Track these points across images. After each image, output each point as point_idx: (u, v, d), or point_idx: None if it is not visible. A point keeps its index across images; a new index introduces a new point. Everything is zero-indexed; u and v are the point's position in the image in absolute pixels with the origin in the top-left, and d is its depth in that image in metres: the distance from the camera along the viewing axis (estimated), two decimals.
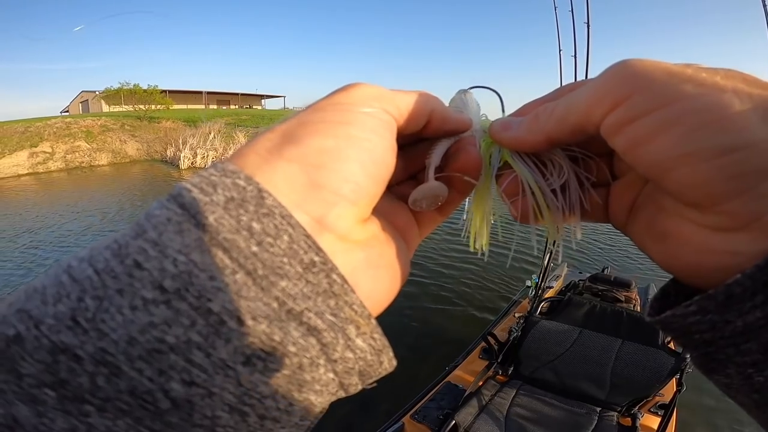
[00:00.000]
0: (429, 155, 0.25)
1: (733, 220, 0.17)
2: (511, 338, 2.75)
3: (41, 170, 16.83)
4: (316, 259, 0.16)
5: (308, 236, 0.16)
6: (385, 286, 0.21)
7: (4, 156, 16.40)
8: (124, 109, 26.94)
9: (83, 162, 18.24)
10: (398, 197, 0.26)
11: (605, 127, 0.20)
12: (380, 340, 0.18)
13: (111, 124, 20.65)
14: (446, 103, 0.26)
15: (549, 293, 3.38)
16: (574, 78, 3.58)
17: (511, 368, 2.73)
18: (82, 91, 34.67)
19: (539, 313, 2.84)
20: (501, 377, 2.73)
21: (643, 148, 0.18)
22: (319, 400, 0.17)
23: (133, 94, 26.25)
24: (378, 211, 0.22)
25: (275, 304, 0.15)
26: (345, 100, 0.20)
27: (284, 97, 54.11)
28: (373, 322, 0.18)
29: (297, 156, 0.18)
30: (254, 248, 0.15)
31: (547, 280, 3.40)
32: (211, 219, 0.15)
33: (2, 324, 0.14)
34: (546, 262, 3.26)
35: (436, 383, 2.69)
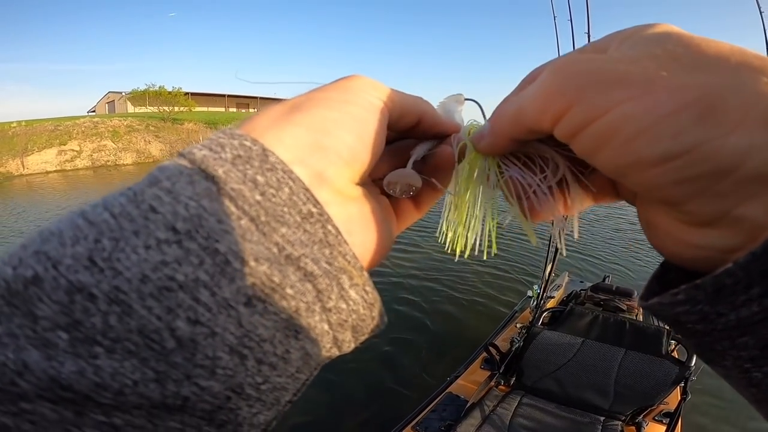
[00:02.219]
0: (413, 149, 0.25)
1: (699, 217, 0.16)
2: (513, 348, 2.55)
3: (68, 168, 16.74)
4: (314, 210, 0.17)
5: (307, 189, 0.17)
6: (375, 242, 0.20)
7: (33, 153, 16.34)
8: (148, 111, 26.86)
9: (109, 161, 18.16)
10: (381, 191, 0.25)
11: (558, 136, 0.18)
12: (372, 293, 0.18)
13: (136, 124, 20.56)
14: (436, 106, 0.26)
15: (550, 303, 3.17)
16: None
17: (513, 378, 2.54)
18: (108, 92, 34.63)
19: (541, 324, 2.63)
20: (503, 387, 2.53)
21: (595, 157, 0.17)
22: (314, 350, 0.17)
23: (158, 96, 25.97)
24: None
25: (275, 249, 0.15)
26: (347, 84, 0.21)
27: None
28: (365, 274, 0.18)
29: (304, 121, 0.18)
30: (258, 197, 0.16)
31: (549, 290, 3.22)
32: (219, 172, 0.15)
33: (20, 266, 0.13)
34: (547, 272, 3.07)
35: (438, 394, 2.50)
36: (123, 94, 31.12)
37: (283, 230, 0.16)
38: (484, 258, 0.27)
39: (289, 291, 0.15)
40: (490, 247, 0.27)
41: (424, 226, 7.84)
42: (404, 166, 0.25)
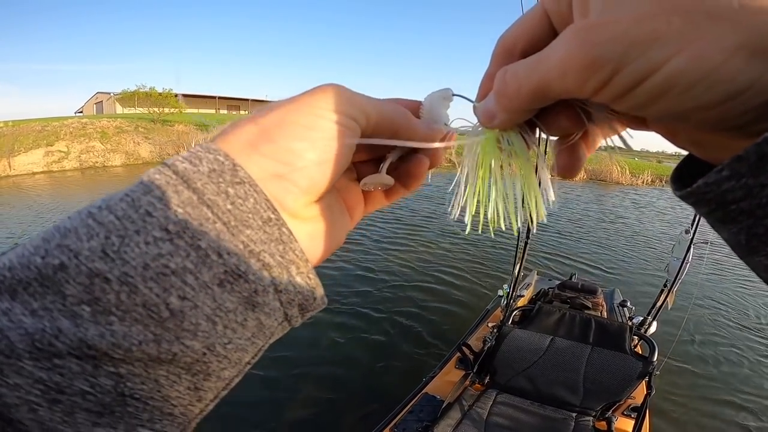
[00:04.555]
0: (390, 152, 0.26)
1: (755, 131, 0.15)
2: (486, 348, 2.41)
3: (56, 169, 15.54)
4: (272, 216, 0.19)
5: (268, 200, 0.19)
6: (320, 250, 0.23)
7: (20, 154, 15.24)
8: (138, 112, 25.63)
9: (97, 162, 17.06)
10: (358, 175, 0.27)
11: (601, 98, 0.17)
12: (314, 279, 0.21)
13: (126, 125, 19.43)
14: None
15: (520, 302, 3.05)
16: None
17: (488, 377, 2.40)
18: (97, 92, 32.86)
19: (511, 322, 2.52)
20: (478, 386, 2.39)
21: (649, 108, 0.16)
22: (267, 321, 0.19)
23: (148, 97, 24.72)
24: (335, 188, 0.24)
25: (241, 246, 0.18)
26: (316, 104, 0.21)
27: None
28: (310, 266, 0.20)
29: (270, 152, 0.20)
30: (229, 206, 0.18)
31: (519, 289, 3.13)
32: (198, 184, 0.18)
33: (47, 256, 0.16)
34: (516, 271, 3.00)
35: (414, 395, 2.34)
36: (112, 94, 29.64)
37: (248, 232, 0.18)
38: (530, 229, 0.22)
39: (251, 277, 0.18)
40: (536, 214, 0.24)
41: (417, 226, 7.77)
42: (380, 156, 0.26)
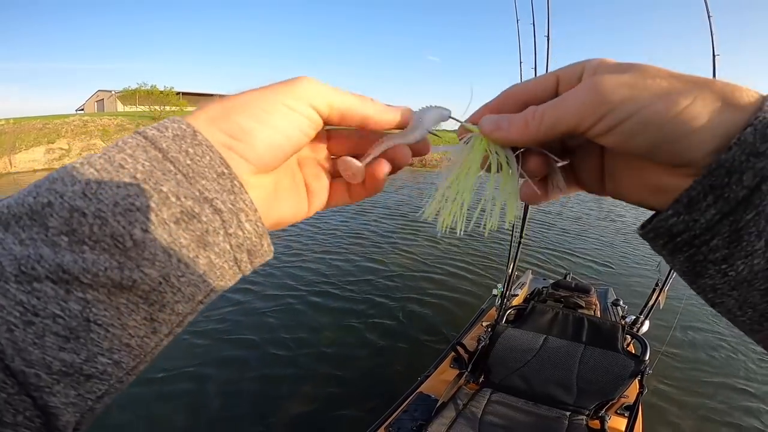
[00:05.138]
0: (372, 148, 0.28)
1: (690, 168, 0.21)
2: (480, 347, 2.37)
3: (57, 166, 15.43)
4: (225, 171, 0.21)
5: (222, 158, 0.21)
6: (267, 210, 0.25)
7: (21, 151, 15.08)
8: (139, 110, 25.33)
9: None
10: (333, 169, 0.30)
11: (593, 133, 0.22)
12: (262, 227, 0.23)
13: (127, 123, 19.20)
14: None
15: (515, 301, 3.01)
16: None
17: (482, 376, 2.36)
18: (98, 90, 32.47)
19: (505, 321, 2.47)
20: (472, 385, 2.35)
21: (628, 144, 0.21)
22: (217, 261, 0.21)
23: (149, 95, 24.28)
24: (305, 170, 0.29)
25: (197, 192, 0.20)
26: (282, 90, 0.24)
27: None
28: (258, 214, 0.23)
29: (226, 128, 0.22)
30: (188, 162, 0.21)
31: (513, 288, 3.09)
32: (164, 145, 0.20)
33: (38, 196, 0.18)
34: (510, 271, 2.95)
35: (409, 394, 2.30)
36: (113, 92, 29.34)
37: (204, 182, 0.21)
38: (487, 233, 0.28)
39: (203, 218, 0.20)
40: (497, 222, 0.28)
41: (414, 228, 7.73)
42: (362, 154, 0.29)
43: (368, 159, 0.27)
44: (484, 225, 0.27)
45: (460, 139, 0.28)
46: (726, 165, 0.19)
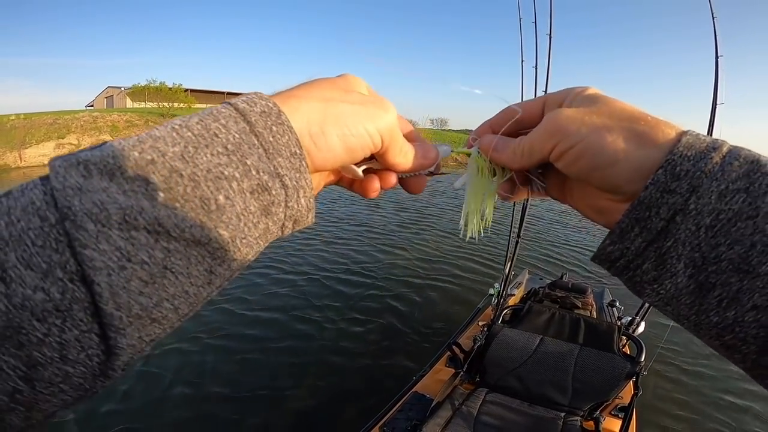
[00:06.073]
0: (372, 160, 0.30)
1: (624, 194, 0.24)
2: (476, 346, 2.30)
3: None
4: (298, 151, 0.23)
5: (297, 140, 0.23)
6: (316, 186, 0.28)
7: (31, 145, 15.03)
8: (148, 106, 25.13)
9: None
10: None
11: (551, 158, 0.27)
12: (312, 202, 0.25)
13: (136, 119, 19.08)
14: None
15: (511, 301, 2.93)
16: (534, 87, 3.20)
17: (478, 376, 2.29)
18: (107, 87, 32.25)
19: (502, 321, 2.40)
20: (468, 385, 2.28)
21: (571, 168, 0.26)
22: (272, 227, 0.23)
23: (158, 92, 23.87)
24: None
25: (272, 168, 0.22)
26: (370, 115, 0.26)
27: None
28: (313, 191, 0.25)
29: (312, 129, 0.24)
30: (270, 138, 0.22)
31: (509, 287, 3.02)
32: (252, 119, 0.22)
33: (144, 152, 0.19)
34: (507, 270, 2.88)
35: (404, 393, 2.24)
36: (122, 89, 29.07)
37: (279, 159, 0.22)
38: (478, 234, 0.34)
39: (273, 192, 0.22)
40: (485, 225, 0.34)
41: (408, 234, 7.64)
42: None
43: (363, 166, 0.30)
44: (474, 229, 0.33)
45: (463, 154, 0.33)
46: (645, 201, 0.22)
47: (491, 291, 2.98)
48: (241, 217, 0.21)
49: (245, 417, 2.70)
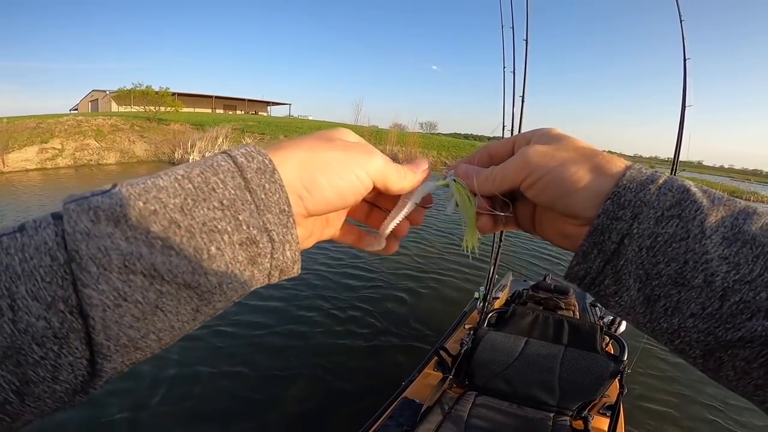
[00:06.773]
0: (390, 216, 0.33)
1: (584, 220, 0.26)
2: (463, 350, 2.28)
3: (49, 166, 14.56)
4: (287, 209, 0.24)
5: (287, 198, 0.24)
6: (305, 244, 0.29)
7: (13, 150, 14.36)
8: (134, 110, 24.44)
9: (91, 160, 16.10)
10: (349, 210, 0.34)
11: (522, 188, 0.29)
12: (298, 255, 0.26)
13: (121, 123, 18.45)
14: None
15: (496, 303, 2.91)
16: (512, 91, 3.29)
17: (466, 380, 2.27)
18: (92, 90, 31.39)
19: (487, 324, 2.37)
20: (457, 389, 2.25)
21: (540, 197, 0.28)
22: (257, 275, 0.24)
23: (145, 96, 23.04)
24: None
25: (261, 223, 0.23)
26: (361, 162, 0.28)
27: (290, 104, 49.73)
28: (298, 246, 0.26)
29: (304, 179, 0.26)
30: (262, 195, 0.23)
31: (494, 290, 3.01)
32: (248, 175, 0.23)
33: (148, 203, 0.21)
34: (491, 273, 2.88)
35: (393, 399, 2.20)
36: (107, 92, 28.36)
37: (269, 215, 0.24)
38: (475, 249, 0.35)
39: (260, 245, 0.23)
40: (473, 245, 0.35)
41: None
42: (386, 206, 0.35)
43: (388, 231, 0.33)
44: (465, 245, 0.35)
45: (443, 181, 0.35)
46: (599, 227, 0.25)
47: (476, 294, 2.97)
48: (230, 265, 0.23)
49: (231, 424, 2.63)
